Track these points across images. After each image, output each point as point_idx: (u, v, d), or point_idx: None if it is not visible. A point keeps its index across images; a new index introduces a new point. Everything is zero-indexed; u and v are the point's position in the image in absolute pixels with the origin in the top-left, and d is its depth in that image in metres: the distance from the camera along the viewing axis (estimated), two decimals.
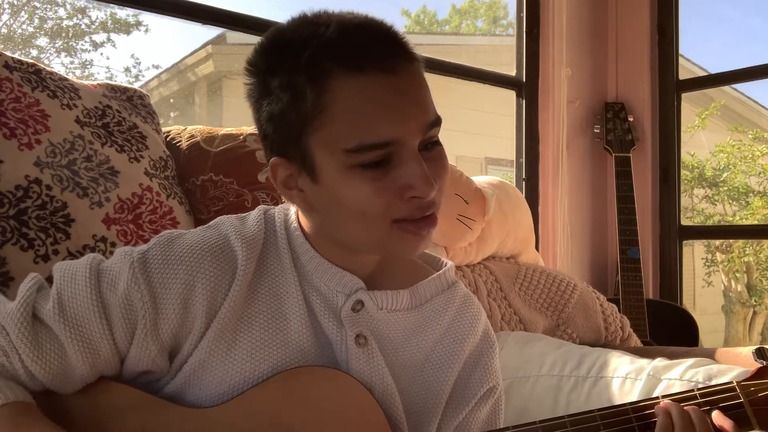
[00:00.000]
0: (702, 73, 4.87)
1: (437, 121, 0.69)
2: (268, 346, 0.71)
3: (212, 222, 0.78)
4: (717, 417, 0.71)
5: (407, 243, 0.70)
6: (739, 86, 5.90)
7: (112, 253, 0.74)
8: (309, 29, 0.67)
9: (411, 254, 0.73)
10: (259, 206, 0.81)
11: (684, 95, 2.44)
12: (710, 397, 0.72)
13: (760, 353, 0.76)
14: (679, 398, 0.73)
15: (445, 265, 0.85)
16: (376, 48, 0.66)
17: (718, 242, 5.95)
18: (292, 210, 0.80)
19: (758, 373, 0.74)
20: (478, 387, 0.80)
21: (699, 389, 0.73)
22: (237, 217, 0.79)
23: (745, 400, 0.72)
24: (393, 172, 0.66)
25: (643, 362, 1.13)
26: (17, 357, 0.67)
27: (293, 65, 0.66)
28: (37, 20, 5.34)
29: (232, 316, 0.71)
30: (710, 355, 1.33)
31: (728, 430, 0.70)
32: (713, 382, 1.00)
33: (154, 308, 0.69)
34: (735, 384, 0.73)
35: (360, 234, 0.70)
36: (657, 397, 0.73)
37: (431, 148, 0.70)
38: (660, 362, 1.11)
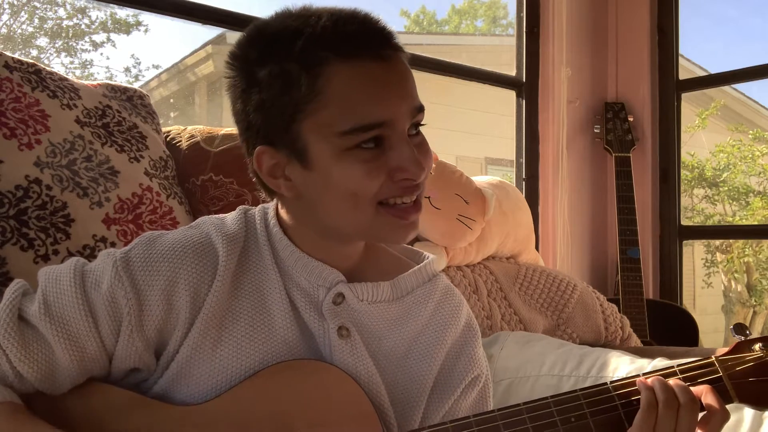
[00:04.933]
0: (702, 73, 4.86)
1: (422, 107, 0.72)
2: (254, 341, 0.72)
3: (194, 222, 0.80)
4: (706, 396, 0.72)
5: (394, 228, 0.72)
6: (739, 86, 5.90)
7: None
8: (298, 21, 0.69)
9: (400, 240, 0.75)
10: (239, 207, 0.83)
11: (684, 95, 2.44)
12: (690, 373, 0.74)
13: (738, 329, 0.79)
14: (660, 374, 0.74)
15: (426, 258, 0.86)
16: (368, 37, 0.69)
17: (718, 242, 5.95)
18: (271, 208, 0.81)
19: (736, 348, 0.76)
20: (462, 377, 0.81)
21: (679, 365, 0.75)
22: (218, 217, 0.80)
23: (724, 374, 0.74)
24: (385, 155, 0.69)
25: (643, 362, 1.13)
26: (5, 358, 0.68)
27: (285, 55, 0.68)
28: (37, 20, 5.35)
29: (217, 312, 0.72)
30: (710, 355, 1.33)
31: (703, 390, 0.72)
32: None
33: (138, 305, 0.69)
34: (714, 359, 0.76)
35: (348, 218, 0.72)
36: (637, 375, 0.74)
37: (416, 134, 0.73)
38: (660, 362, 1.11)
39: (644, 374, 0.75)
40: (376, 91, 0.68)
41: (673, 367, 0.75)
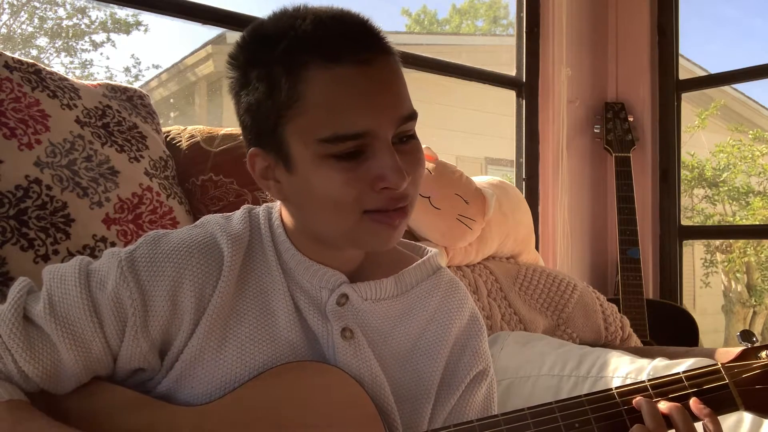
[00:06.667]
0: (702, 73, 4.86)
1: (412, 115, 0.70)
2: (258, 342, 0.72)
3: (198, 221, 0.79)
4: (694, 405, 0.72)
5: (379, 234, 0.70)
6: (739, 86, 5.90)
7: None
8: (287, 22, 0.68)
9: (383, 246, 0.73)
10: (244, 205, 0.82)
11: (684, 95, 2.44)
12: (696, 380, 0.74)
13: (744, 336, 0.79)
14: (666, 382, 0.74)
15: (429, 252, 0.85)
16: (350, 39, 0.67)
17: (718, 242, 5.95)
18: (276, 208, 0.80)
19: (742, 355, 0.76)
20: (468, 370, 0.81)
21: (685, 373, 0.74)
22: (222, 216, 0.80)
23: (730, 381, 0.74)
24: (366, 163, 0.67)
25: (643, 362, 1.13)
26: (10, 358, 0.68)
27: (270, 57, 0.67)
28: (37, 20, 5.35)
29: (222, 312, 0.72)
30: (710, 355, 1.33)
31: (706, 416, 0.71)
32: None
33: (143, 305, 0.69)
34: (720, 366, 0.75)
35: (332, 225, 0.71)
36: (643, 381, 0.74)
37: (406, 141, 0.70)
38: (660, 362, 1.11)
39: (649, 379, 0.74)
40: (356, 100, 0.65)
41: (679, 374, 0.74)
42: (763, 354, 0.75)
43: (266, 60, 0.68)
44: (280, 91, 0.66)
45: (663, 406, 0.71)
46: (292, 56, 0.66)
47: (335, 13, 0.69)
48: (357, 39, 0.67)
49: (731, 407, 0.72)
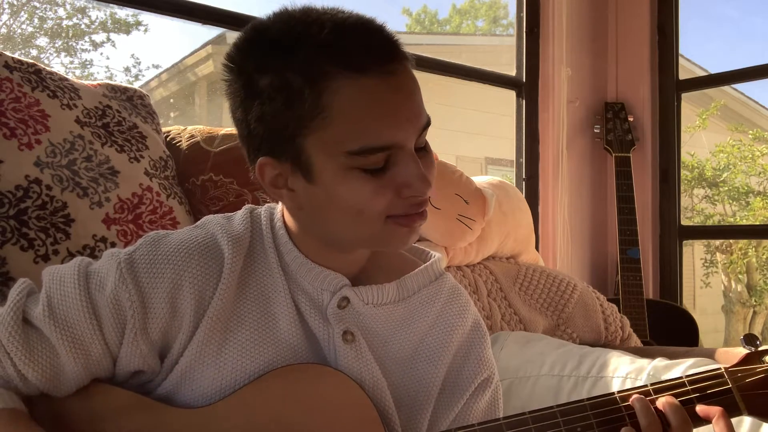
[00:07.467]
0: (702, 73, 4.86)
1: (428, 123, 0.71)
2: (259, 344, 0.72)
3: (199, 222, 0.79)
4: (701, 409, 0.71)
5: (400, 236, 0.71)
6: (739, 86, 5.90)
7: None
8: (299, 27, 0.66)
9: (402, 247, 0.74)
10: (246, 206, 0.82)
11: (684, 95, 2.44)
12: (699, 384, 0.73)
13: (748, 339, 0.77)
14: (669, 386, 0.73)
15: (433, 257, 0.85)
16: (374, 49, 0.66)
17: (718, 242, 5.95)
18: (278, 209, 0.80)
19: (746, 359, 0.75)
20: (472, 378, 0.80)
21: (687, 377, 0.74)
22: (223, 216, 0.79)
23: (734, 385, 0.73)
24: (390, 171, 0.67)
25: (643, 362, 1.13)
26: (9, 361, 0.67)
27: (287, 65, 0.65)
28: (37, 20, 5.35)
29: (222, 314, 0.71)
30: (710, 355, 1.33)
31: (716, 414, 0.70)
32: None
33: (142, 307, 0.69)
34: (723, 370, 0.74)
35: (353, 231, 0.71)
36: (646, 385, 0.74)
37: (421, 146, 0.71)
38: (660, 362, 1.11)
39: (652, 383, 0.74)
40: (385, 113, 0.65)
41: (681, 378, 0.74)
42: (767, 358, 0.74)
43: (279, 67, 0.65)
44: (302, 102, 0.65)
45: (658, 403, 0.71)
46: (313, 66, 0.64)
47: (355, 20, 0.67)
48: (381, 49, 0.66)
49: (734, 412, 0.72)
